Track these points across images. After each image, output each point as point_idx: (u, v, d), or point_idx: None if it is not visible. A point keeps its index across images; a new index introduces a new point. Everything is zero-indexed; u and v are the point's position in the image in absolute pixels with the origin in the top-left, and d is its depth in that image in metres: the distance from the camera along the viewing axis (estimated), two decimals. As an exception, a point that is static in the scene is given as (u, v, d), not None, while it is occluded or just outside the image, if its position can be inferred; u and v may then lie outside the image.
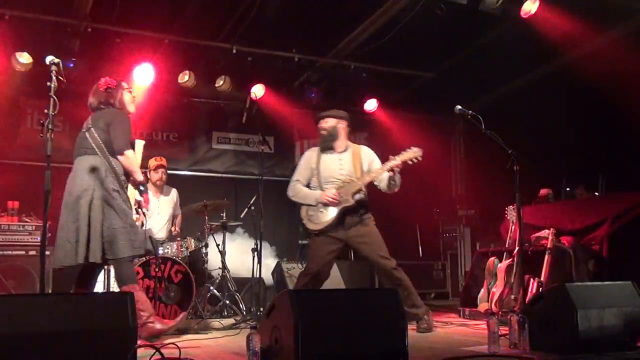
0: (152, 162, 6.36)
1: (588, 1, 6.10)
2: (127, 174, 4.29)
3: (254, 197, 6.73)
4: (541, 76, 7.86)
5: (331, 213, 4.87)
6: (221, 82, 7.74)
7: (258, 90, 7.93)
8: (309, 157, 5.19)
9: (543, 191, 6.94)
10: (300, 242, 8.72)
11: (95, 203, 4.08)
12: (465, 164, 9.86)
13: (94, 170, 4.12)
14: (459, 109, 4.68)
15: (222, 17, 6.96)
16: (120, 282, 4.25)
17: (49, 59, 3.66)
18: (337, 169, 5.00)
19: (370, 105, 8.72)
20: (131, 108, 4.61)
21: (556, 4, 6.16)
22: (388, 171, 4.73)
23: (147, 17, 6.68)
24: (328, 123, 5.09)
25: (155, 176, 6.33)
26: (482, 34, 7.10)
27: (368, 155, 5.10)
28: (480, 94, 8.07)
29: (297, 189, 5.09)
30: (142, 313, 4.03)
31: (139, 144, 4.74)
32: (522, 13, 6.12)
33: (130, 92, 4.63)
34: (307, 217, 4.95)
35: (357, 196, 4.87)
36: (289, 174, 9.49)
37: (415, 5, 6.21)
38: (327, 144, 5.08)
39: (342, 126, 5.11)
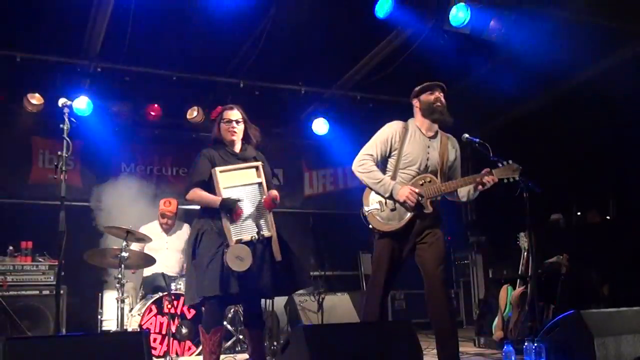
0: (160, 206, 6.38)
1: (590, 26, 6.17)
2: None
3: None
4: (548, 101, 7.89)
5: (402, 216, 4.07)
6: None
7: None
8: (393, 131, 4.27)
9: (554, 216, 6.92)
10: (312, 273, 8.70)
11: None
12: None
13: None
14: (466, 138, 4.62)
15: (229, 52, 7.08)
16: None
17: (61, 101, 3.73)
18: (423, 157, 4.18)
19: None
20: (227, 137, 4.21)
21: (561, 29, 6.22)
22: (477, 184, 4.12)
23: (155, 55, 6.81)
24: (442, 97, 4.29)
25: (161, 219, 6.34)
26: (487, 60, 7.15)
27: (455, 151, 4.39)
28: (487, 120, 8.10)
29: (369, 167, 4.16)
30: None
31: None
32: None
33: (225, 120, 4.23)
34: (373, 211, 4.14)
35: (435, 201, 4.14)
36: (298, 206, 9.60)
37: (419, 35, 6.28)
38: (436, 119, 4.27)
39: None
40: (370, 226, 4.14)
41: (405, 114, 8.67)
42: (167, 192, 7.33)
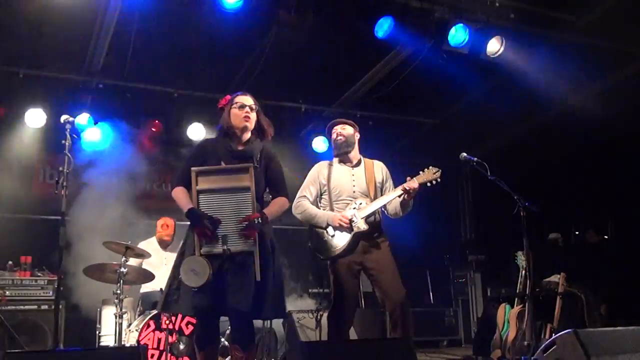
0: (158, 228, 6.36)
1: (587, 48, 6.25)
2: None
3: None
4: (546, 120, 7.94)
5: (343, 239, 4.36)
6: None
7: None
8: (318, 170, 4.62)
9: (552, 235, 6.94)
10: (310, 290, 8.69)
11: None
12: (473, 208, 9.88)
13: None
14: (465, 157, 4.71)
15: (230, 70, 7.14)
16: None
17: (63, 117, 3.76)
18: (349, 186, 4.49)
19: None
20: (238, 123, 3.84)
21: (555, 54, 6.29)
22: (403, 194, 4.31)
23: (156, 72, 6.87)
24: (346, 130, 4.61)
25: (158, 237, 6.35)
26: (485, 80, 7.22)
27: (382, 172, 4.64)
28: (485, 139, 8.15)
29: (304, 206, 4.50)
30: None
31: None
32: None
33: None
34: (316, 244, 4.43)
35: (370, 219, 4.40)
36: (297, 222, 9.59)
37: (418, 54, 6.35)
38: (343, 152, 4.58)
39: (357, 136, 4.70)
40: (320, 257, 4.42)
41: (404, 132, 8.81)
42: (167, 208, 7.33)
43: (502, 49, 6.03)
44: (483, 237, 9.25)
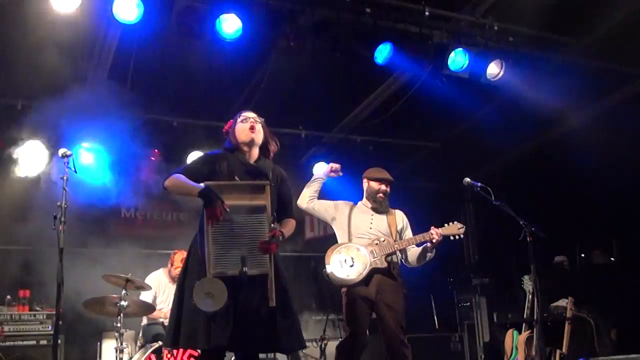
0: (177, 263, 6.11)
1: (587, 68, 6.24)
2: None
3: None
4: (548, 141, 7.89)
5: (360, 270, 4.63)
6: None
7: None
8: (341, 206, 5.01)
9: (558, 258, 6.86)
10: (314, 317, 8.58)
11: None
12: (477, 231, 9.78)
13: None
14: (468, 182, 4.71)
15: (229, 97, 7.12)
16: None
17: (61, 151, 3.71)
18: (367, 225, 4.83)
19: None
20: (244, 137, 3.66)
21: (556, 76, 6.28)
22: (427, 242, 4.63)
23: (156, 101, 6.85)
24: (388, 190, 4.96)
25: (174, 272, 6.18)
26: (485, 103, 7.20)
27: (403, 221, 4.96)
28: (487, 161, 8.11)
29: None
30: None
31: None
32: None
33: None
34: (334, 270, 4.66)
35: (390, 259, 4.69)
36: (300, 249, 9.55)
37: (418, 79, 6.33)
38: (376, 207, 4.91)
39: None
40: (334, 282, 4.67)
41: (405, 155, 8.77)
42: (167, 237, 7.27)
43: (502, 72, 6.01)
44: (487, 260, 9.14)
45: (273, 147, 3.75)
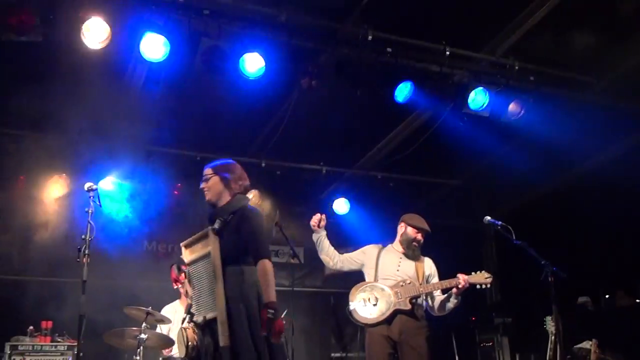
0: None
1: (608, 108, 6.23)
2: None
3: (285, 311, 6.65)
4: (571, 180, 7.82)
5: (382, 309, 4.65)
6: (251, 196, 7.88)
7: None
8: (368, 251, 5.06)
9: (581, 299, 6.75)
10: (332, 355, 8.51)
11: None
12: (499, 269, 9.66)
13: None
14: (488, 220, 4.68)
15: (251, 133, 7.23)
16: None
17: (87, 185, 3.79)
18: (394, 267, 4.84)
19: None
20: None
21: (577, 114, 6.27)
22: (453, 287, 4.62)
23: (179, 136, 6.96)
24: (423, 239, 4.95)
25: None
26: (506, 142, 7.19)
27: (431, 268, 4.96)
28: (508, 200, 8.06)
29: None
30: None
31: None
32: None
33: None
34: (357, 307, 4.70)
35: (414, 301, 4.69)
36: (319, 285, 9.51)
37: (438, 117, 6.37)
38: (409, 253, 4.92)
39: None
40: (356, 320, 4.69)
41: (425, 193, 8.76)
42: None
43: (522, 112, 6.01)
44: (509, 299, 9.01)
45: (237, 187, 3.71)
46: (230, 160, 3.84)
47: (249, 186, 3.78)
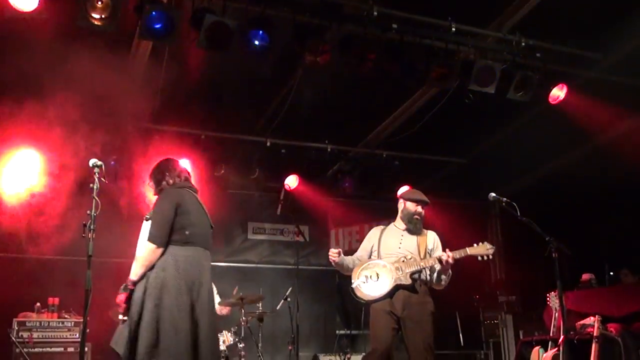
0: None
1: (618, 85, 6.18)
2: None
3: (290, 289, 6.71)
4: (577, 157, 7.78)
5: (383, 284, 4.66)
6: (256, 174, 7.90)
7: (292, 181, 8.09)
8: (371, 234, 5.07)
9: (585, 276, 6.76)
10: (337, 332, 8.56)
11: None
12: (503, 248, 9.67)
13: None
14: (493, 197, 4.68)
15: (256, 112, 7.22)
16: None
17: (92, 161, 3.79)
18: (396, 245, 4.85)
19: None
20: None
21: (585, 88, 6.22)
22: (446, 261, 4.57)
23: (184, 116, 6.96)
24: (423, 211, 4.95)
25: None
26: (514, 118, 7.16)
27: (434, 242, 4.94)
28: (514, 178, 8.04)
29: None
30: None
31: None
32: (550, 99, 6.17)
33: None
34: (359, 285, 4.71)
35: (416, 276, 4.68)
36: (324, 263, 9.52)
37: (444, 95, 6.34)
38: (412, 228, 4.90)
39: None
40: (359, 298, 4.70)
41: (431, 171, 8.74)
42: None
43: (529, 88, 5.96)
44: (514, 278, 9.04)
45: (152, 185, 4.21)
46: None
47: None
